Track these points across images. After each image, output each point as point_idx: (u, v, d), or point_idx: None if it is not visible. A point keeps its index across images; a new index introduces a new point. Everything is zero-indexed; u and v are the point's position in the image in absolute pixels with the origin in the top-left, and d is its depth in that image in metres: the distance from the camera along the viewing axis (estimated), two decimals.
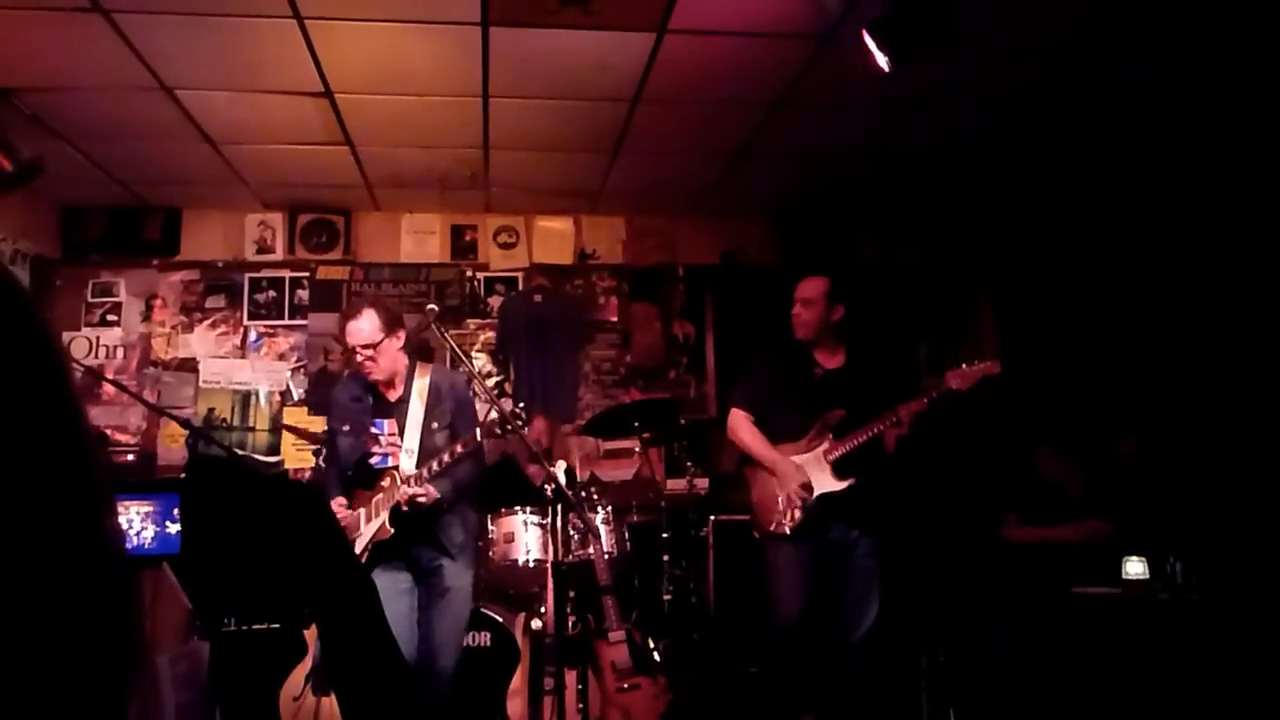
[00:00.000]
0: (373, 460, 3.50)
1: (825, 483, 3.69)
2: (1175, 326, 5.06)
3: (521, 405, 3.27)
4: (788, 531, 3.70)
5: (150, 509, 3.42)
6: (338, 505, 3.49)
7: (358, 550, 3.43)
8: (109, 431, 5.81)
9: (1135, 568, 3.55)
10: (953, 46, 3.70)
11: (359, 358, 3.45)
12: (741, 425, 3.94)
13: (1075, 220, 5.65)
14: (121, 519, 3.34)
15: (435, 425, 3.48)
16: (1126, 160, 5.16)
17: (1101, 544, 3.91)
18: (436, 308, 3.50)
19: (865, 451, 3.63)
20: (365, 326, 3.42)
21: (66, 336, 5.90)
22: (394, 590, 3.45)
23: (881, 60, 3.46)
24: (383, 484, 3.44)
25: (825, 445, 3.71)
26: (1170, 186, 5.10)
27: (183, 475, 4.78)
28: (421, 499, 3.32)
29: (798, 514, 3.68)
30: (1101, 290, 5.50)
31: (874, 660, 3.75)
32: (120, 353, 5.95)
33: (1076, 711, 3.39)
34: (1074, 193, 5.58)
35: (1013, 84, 4.40)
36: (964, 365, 3.51)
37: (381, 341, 3.43)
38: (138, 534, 3.41)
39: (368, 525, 3.44)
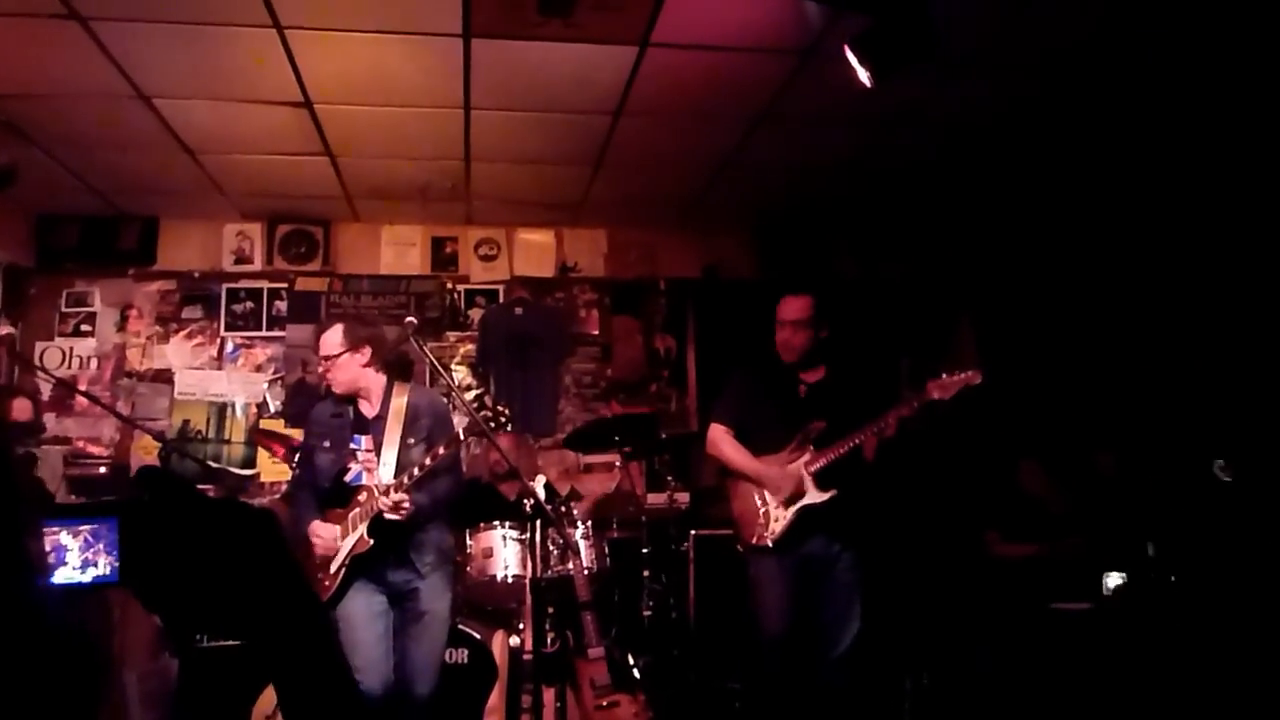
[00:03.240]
0: (348, 477, 3.49)
1: (808, 494, 3.67)
2: (1154, 342, 5.09)
3: (503, 404, 3.28)
4: (769, 544, 3.68)
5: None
6: (317, 526, 3.45)
7: (335, 566, 3.40)
8: (81, 443, 5.73)
9: (1115, 582, 3.54)
10: (934, 62, 3.72)
11: (320, 369, 3.58)
12: (723, 439, 3.91)
13: (1056, 236, 5.69)
14: (78, 541, 3.23)
15: (411, 441, 3.47)
16: (1107, 178, 5.20)
17: (1073, 559, 3.90)
18: (415, 320, 3.46)
19: (846, 463, 3.61)
20: (328, 339, 3.51)
21: (40, 346, 5.83)
22: (369, 613, 3.42)
23: (863, 75, 3.46)
24: (359, 499, 3.41)
25: (807, 457, 3.69)
26: (1150, 203, 5.14)
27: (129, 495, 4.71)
28: (404, 506, 3.30)
29: (779, 527, 3.66)
30: (1081, 306, 5.53)
31: (858, 680, 3.73)
32: (94, 363, 5.87)
33: None
34: (1055, 209, 5.61)
35: (993, 101, 4.42)
36: (944, 375, 3.50)
37: (339, 355, 3.48)
38: (83, 564, 3.29)
39: (345, 540, 3.40)
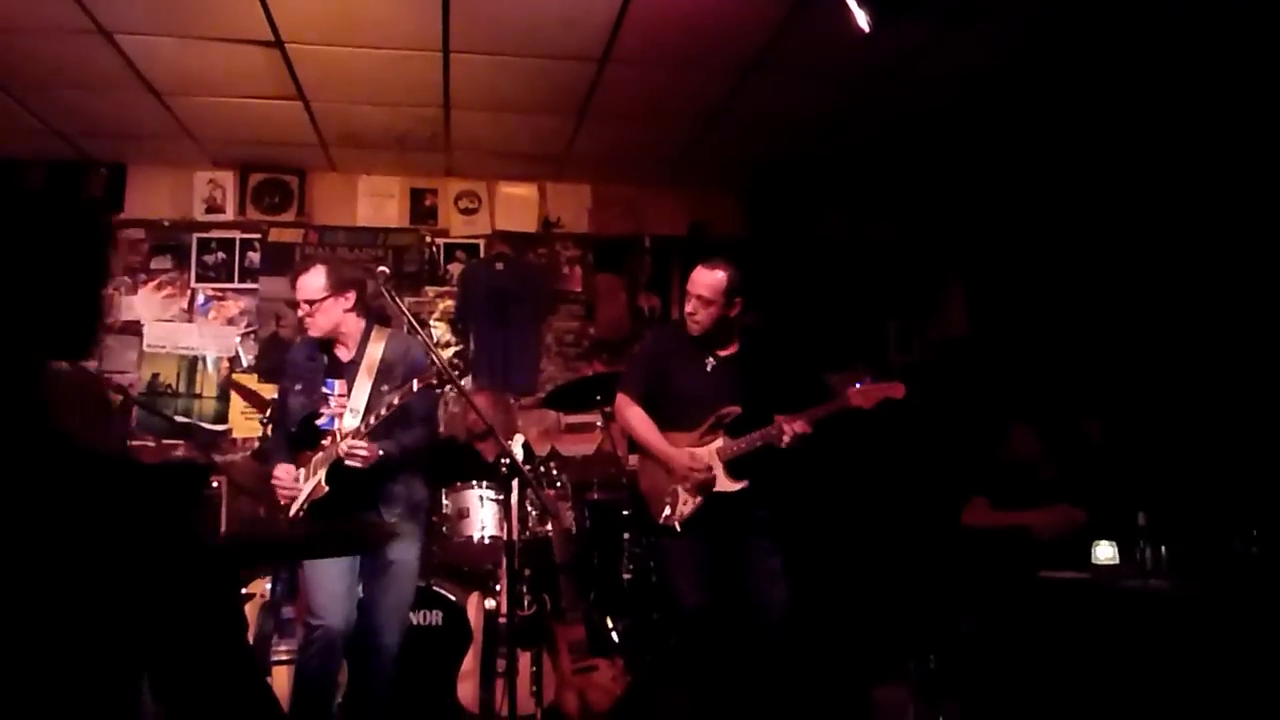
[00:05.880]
0: (319, 421, 3.43)
1: (718, 482, 3.48)
2: (1145, 308, 5.00)
3: (458, 351, 3.21)
4: (677, 528, 3.48)
5: None
6: (279, 469, 3.43)
7: (294, 511, 3.36)
8: None
9: (1105, 552, 3.46)
10: (934, 10, 3.58)
11: (300, 312, 3.48)
12: (629, 411, 3.65)
13: (1048, 199, 5.58)
14: None
15: (385, 388, 3.38)
16: (1102, 141, 5.07)
17: (1071, 535, 3.83)
18: (387, 270, 3.36)
19: (761, 454, 3.45)
20: (309, 283, 3.43)
21: None
22: None
23: (861, 20, 3.32)
24: (324, 443, 3.36)
25: (719, 443, 3.50)
26: (1144, 169, 5.03)
27: None
28: (361, 452, 3.22)
29: (687, 509, 3.48)
30: (1073, 269, 5.44)
31: (861, 664, 3.64)
32: None
33: (1046, 699, 3.31)
34: (1049, 172, 5.49)
35: (990, 55, 4.27)
36: (860, 383, 3.42)
37: (323, 299, 3.41)
38: None
39: (305, 483, 3.37)
